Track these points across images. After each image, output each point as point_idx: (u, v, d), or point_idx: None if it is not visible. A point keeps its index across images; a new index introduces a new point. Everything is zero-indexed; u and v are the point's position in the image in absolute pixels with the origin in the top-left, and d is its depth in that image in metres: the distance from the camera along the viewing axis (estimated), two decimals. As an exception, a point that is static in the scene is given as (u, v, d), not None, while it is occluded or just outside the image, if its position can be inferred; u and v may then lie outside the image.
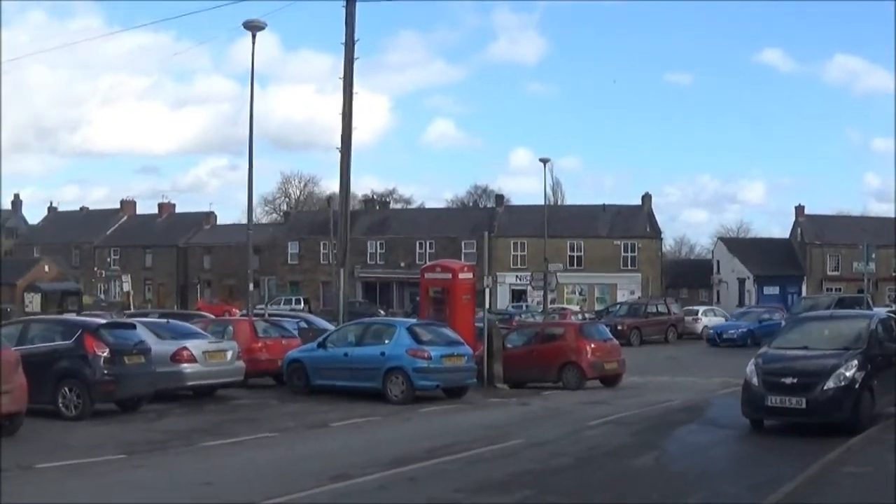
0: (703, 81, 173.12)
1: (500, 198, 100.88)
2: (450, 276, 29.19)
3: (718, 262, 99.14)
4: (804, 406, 16.80)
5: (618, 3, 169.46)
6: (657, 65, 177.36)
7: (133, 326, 22.43)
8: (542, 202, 74.33)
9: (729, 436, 18.11)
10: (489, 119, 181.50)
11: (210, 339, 24.75)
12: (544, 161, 66.31)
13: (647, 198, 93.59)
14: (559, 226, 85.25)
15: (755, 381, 17.61)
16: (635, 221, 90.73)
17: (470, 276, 29.84)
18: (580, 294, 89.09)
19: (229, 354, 24.23)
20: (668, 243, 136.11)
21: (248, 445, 16.82)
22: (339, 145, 32.44)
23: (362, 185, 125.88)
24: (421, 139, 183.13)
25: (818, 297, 55.94)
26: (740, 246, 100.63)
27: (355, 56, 32.18)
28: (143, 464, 14.53)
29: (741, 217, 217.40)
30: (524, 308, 73.99)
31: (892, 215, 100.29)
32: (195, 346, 23.45)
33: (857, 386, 16.82)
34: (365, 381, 24.18)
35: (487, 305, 31.05)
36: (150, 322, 26.10)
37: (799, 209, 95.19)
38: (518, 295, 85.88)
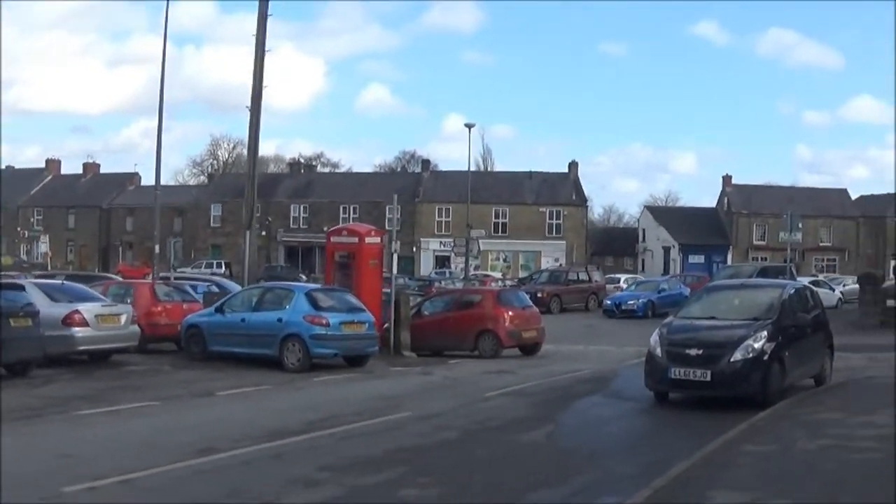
0: (637, 52, 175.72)
1: (426, 163, 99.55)
2: (356, 240, 28.34)
3: (644, 230, 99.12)
4: (709, 379, 16.11)
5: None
6: (592, 35, 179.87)
7: (22, 288, 21.36)
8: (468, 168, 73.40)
9: (631, 409, 17.38)
10: (424, 86, 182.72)
11: (104, 303, 23.55)
12: (469, 126, 65.54)
13: (573, 165, 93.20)
14: (485, 192, 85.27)
15: (659, 351, 16.91)
16: (561, 189, 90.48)
17: (377, 240, 28.97)
18: (504, 261, 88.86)
19: (123, 318, 23.06)
20: (598, 212, 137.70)
21: (124, 415, 15.81)
22: (249, 104, 31.10)
23: (293, 149, 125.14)
24: (356, 104, 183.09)
25: (741, 266, 55.61)
26: (666, 214, 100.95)
27: (269, 13, 30.81)
28: (9, 431, 13.44)
29: (671, 187, 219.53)
30: (447, 274, 73.49)
31: (822, 186, 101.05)
32: (87, 309, 22.25)
33: (765, 358, 16.15)
34: (262, 347, 23.39)
35: (395, 271, 29.94)
36: (45, 284, 24.92)
37: (726, 179, 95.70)
38: (442, 261, 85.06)
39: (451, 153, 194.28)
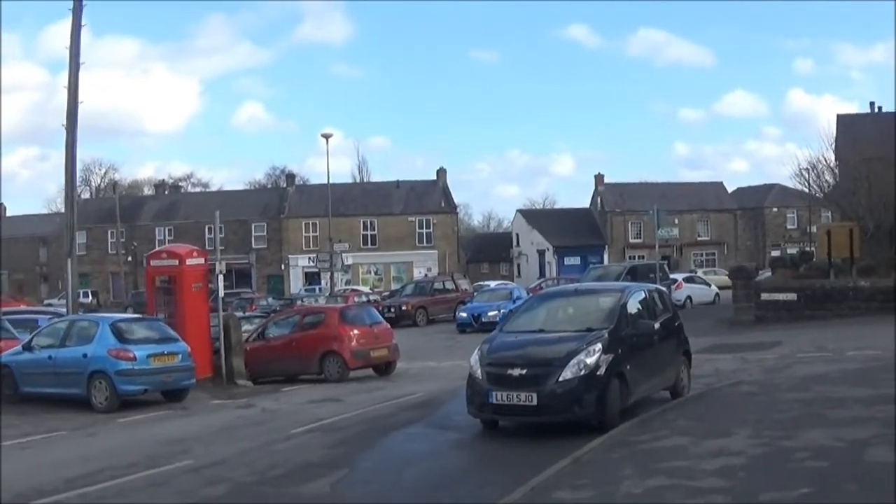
0: (509, 58, 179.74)
1: (290, 177, 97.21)
2: (176, 262, 26.43)
3: (518, 234, 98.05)
4: (535, 402, 14.00)
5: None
6: (463, 42, 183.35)
7: None
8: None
9: (450, 442, 15.09)
10: (298, 101, 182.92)
11: None
12: (326, 136, 63.06)
13: (441, 173, 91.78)
14: (353, 204, 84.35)
15: (479, 373, 14.75)
16: (430, 197, 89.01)
17: (201, 261, 26.94)
18: (375, 273, 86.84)
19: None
20: (477, 219, 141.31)
21: None
22: (65, 121, 28.24)
23: (171, 171, 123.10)
24: (231, 122, 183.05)
25: (608, 266, 54.08)
26: (539, 217, 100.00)
27: (83, 23, 27.98)
28: None
29: (550, 190, 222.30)
30: (317, 291, 71.15)
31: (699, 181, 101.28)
32: None
33: (601, 374, 14.08)
34: (70, 387, 21.61)
35: (222, 293, 28.26)
36: None
37: (598, 178, 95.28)
38: (312, 278, 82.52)
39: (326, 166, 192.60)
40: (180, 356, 22.33)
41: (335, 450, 14.88)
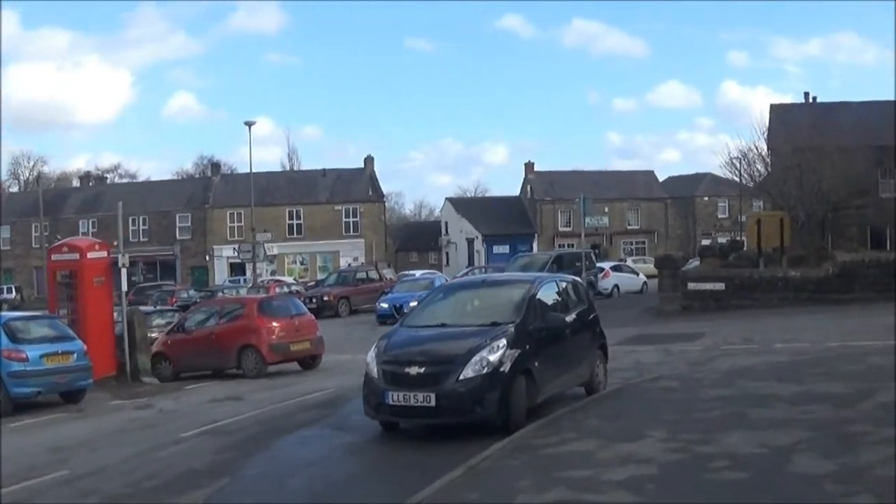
0: (444, 47, 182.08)
1: (216, 166, 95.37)
2: (77, 256, 25.15)
3: (447, 223, 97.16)
4: (433, 403, 12.88)
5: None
6: (398, 31, 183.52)
7: None
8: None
9: (345, 446, 13.89)
10: (230, 91, 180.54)
11: None
12: (249, 124, 61.30)
13: (369, 161, 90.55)
14: (278, 193, 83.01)
15: (375, 371, 13.62)
16: (357, 185, 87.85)
17: (103, 254, 25.65)
18: (301, 263, 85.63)
19: None
20: (409, 207, 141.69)
21: None
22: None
23: (103, 163, 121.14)
24: (163, 113, 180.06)
25: (534, 255, 53.15)
26: (469, 206, 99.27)
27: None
28: None
29: (483, 179, 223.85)
30: (241, 282, 69.72)
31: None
32: None
33: (505, 372, 13.00)
34: None
35: (125, 288, 26.80)
36: None
37: (528, 166, 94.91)
38: (238, 269, 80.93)
39: (260, 156, 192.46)
40: (76, 355, 21.34)
41: (222, 455, 13.76)
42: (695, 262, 49.35)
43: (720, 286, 33.68)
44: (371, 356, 13.89)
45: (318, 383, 22.37)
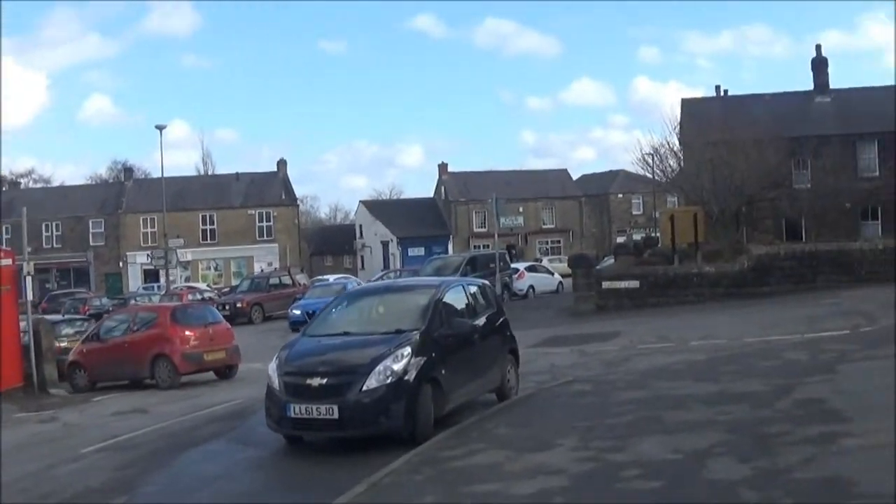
0: (357, 48, 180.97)
1: (128, 171, 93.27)
2: None
3: (361, 226, 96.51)
4: (336, 416, 12.36)
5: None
6: (311, 33, 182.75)
7: None
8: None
9: (248, 461, 13.34)
10: (146, 93, 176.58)
11: None
12: (160, 128, 60.34)
13: (282, 164, 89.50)
14: (192, 198, 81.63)
15: (277, 383, 13.04)
16: (270, 189, 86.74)
17: (8, 262, 24.61)
18: (216, 269, 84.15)
19: None
20: (324, 210, 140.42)
21: None
22: None
23: (18, 168, 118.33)
24: (78, 116, 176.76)
25: (448, 258, 52.72)
26: (383, 208, 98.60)
27: None
28: None
29: (397, 181, 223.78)
30: (155, 289, 68.41)
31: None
32: None
33: (410, 381, 12.55)
34: None
35: (31, 296, 26.22)
36: None
37: (442, 167, 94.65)
38: (152, 275, 79.56)
39: (175, 161, 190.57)
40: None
41: (122, 472, 13.22)
42: (609, 261, 49.21)
43: (635, 284, 33.48)
44: (272, 367, 13.37)
45: (229, 393, 21.85)
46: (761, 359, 17.07)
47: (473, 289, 16.01)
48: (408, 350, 12.62)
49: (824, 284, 31.15)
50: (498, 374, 15.40)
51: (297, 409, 12.53)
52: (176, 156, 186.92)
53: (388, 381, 12.31)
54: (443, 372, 13.10)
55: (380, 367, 12.36)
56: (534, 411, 13.89)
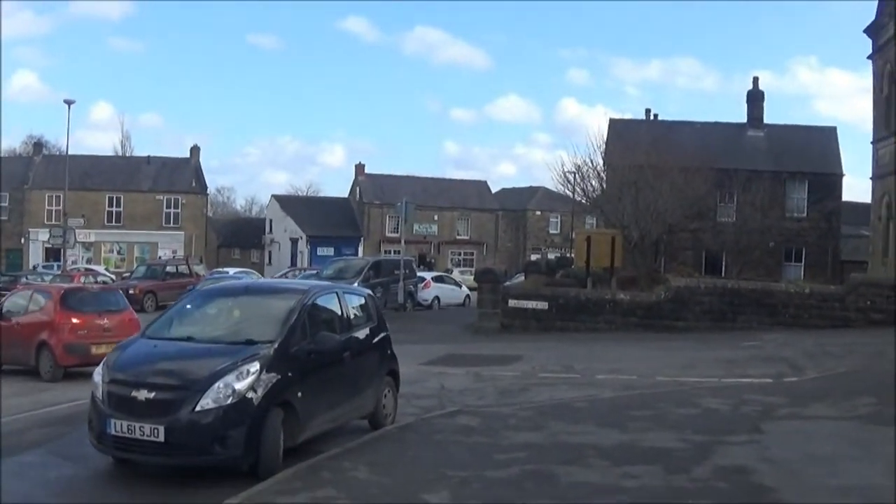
0: (287, 45, 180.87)
1: (38, 146, 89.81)
2: None
3: (271, 221, 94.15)
4: (163, 438, 10.07)
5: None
6: (241, 26, 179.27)
7: None
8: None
9: (59, 481, 11.10)
10: (73, 73, 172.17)
11: None
12: (69, 102, 57.36)
13: (195, 150, 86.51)
14: (100, 178, 78.90)
15: (100, 392, 10.79)
16: (181, 175, 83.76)
17: None
18: (119, 253, 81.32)
19: None
20: (240, 202, 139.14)
21: None
22: None
23: None
24: (5, 91, 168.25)
25: (350, 260, 50.37)
26: (295, 204, 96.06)
27: None
28: None
29: (317, 179, 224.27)
30: (55, 269, 65.54)
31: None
32: None
33: (256, 403, 10.36)
34: None
35: None
36: None
37: (359, 168, 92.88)
38: (53, 254, 76.44)
39: (96, 142, 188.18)
40: None
41: None
42: (520, 278, 47.35)
43: (543, 305, 31.39)
44: (98, 373, 11.07)
45: (82, 391, 19.15)
46: (675, 404, 15.10)
47: (352, 298, 13.77)
48: (256, 366, 10.42)
49: (745, 324, 29.37)
50: (372, 398, 13.25)
51: (119, 426, 10.28)
52: (98, 137, 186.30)
53: (228, 401, 10.12)
54: (299, 394, 10.91)
55: (219, 385, 10.15)
56: (406, 449, 11.70)
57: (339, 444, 12.03)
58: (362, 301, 14.11)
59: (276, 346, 10.89)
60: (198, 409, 10.05)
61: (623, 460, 10.59)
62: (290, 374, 10.81)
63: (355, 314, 13.44)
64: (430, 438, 12.37)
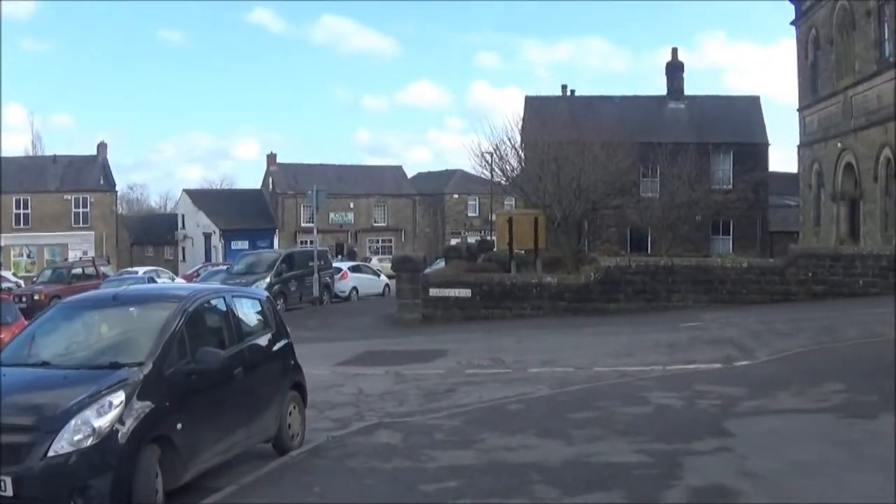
0: (195, 39, 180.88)
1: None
2: None
3: (183, 216, 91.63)
4: (10, 491, 8.00)
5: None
6: (150, 21, 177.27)
7: None
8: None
9: None
10: None
11: None
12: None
13: (102, 147, 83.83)
14: (8, 180, 75.61)
15: None
16: (89, 174, 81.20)
17: None
18: (29, 257, 78.53)
19: None
20: (154, 199, 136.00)
21: None
22: None
23: None
24: None
25: (262, 253, 47.74)
26: (207, 198, 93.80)
27: None
28: None
29: (231, 172, 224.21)
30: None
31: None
32: None
33: (123, 442, 8.35)
34: None
35: None
36: None
37: (271, 158, 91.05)
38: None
39: (9, 145, 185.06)
40: None
41: None
42: (440, 264, 45.60)
43: (466, 293, 29.58)
44: None
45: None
46: (622, 402, 13.34)
47: (244, 303, 11.68)
48: (120, 396, 8.40)
49: (680, 303, 27.84)
50: (274, 419, 11.29)
51: (-39, 475, 8.22)
52: (10, 139, 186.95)
53: (88, 442, 8.08)
54: (179, 426, 8.92)
55: (75, 422, 8.11)
56: (313, 482, 9.74)
57: (235, 475, 10.14)
58: (257, 306, 12.01)
59: (147, 369, 8.87)
60: (50, 454, 8.00)
61: (575, 486, 8.76)
62: (166, 402, 8.82)
63: (249, 322, 11.41)
64: (343, 465, 10.41)
